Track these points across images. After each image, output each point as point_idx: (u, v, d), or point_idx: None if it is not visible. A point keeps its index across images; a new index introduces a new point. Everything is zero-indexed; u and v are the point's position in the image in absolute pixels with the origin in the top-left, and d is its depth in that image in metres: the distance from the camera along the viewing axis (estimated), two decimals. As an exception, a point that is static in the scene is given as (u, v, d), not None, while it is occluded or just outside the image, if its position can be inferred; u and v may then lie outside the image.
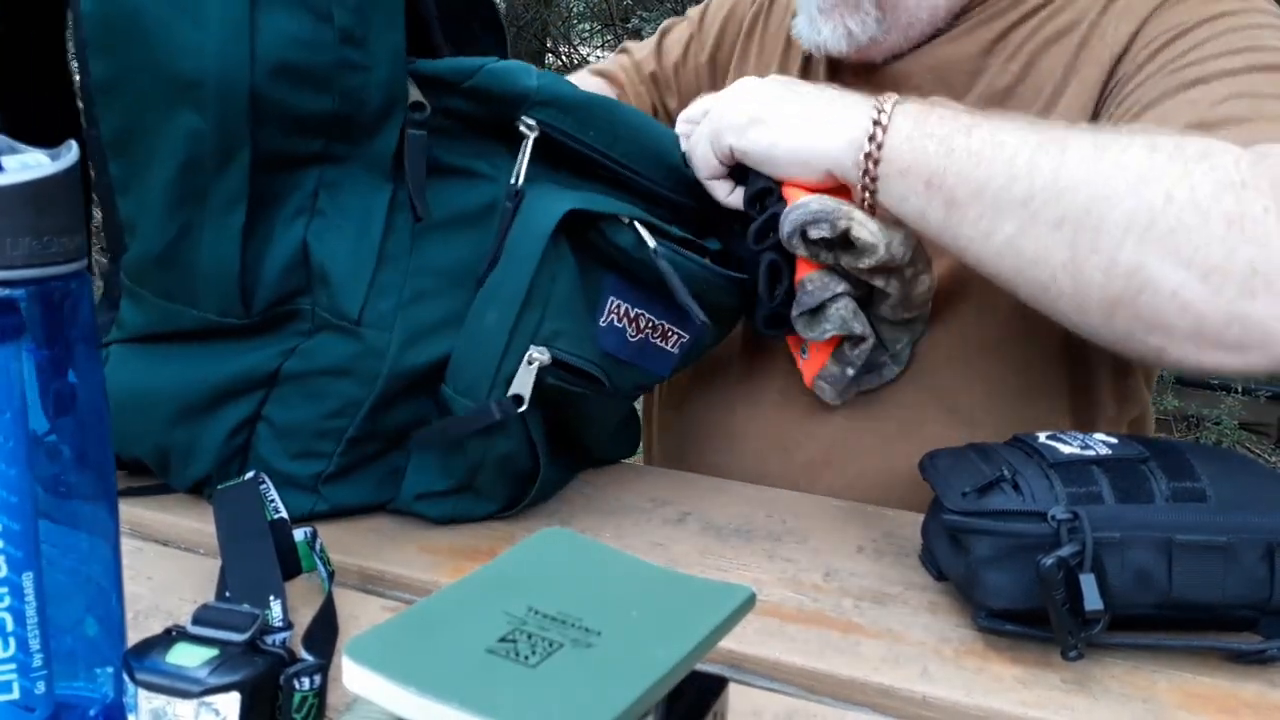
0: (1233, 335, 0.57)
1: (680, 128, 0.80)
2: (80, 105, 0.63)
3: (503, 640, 0.39)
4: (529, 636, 0.40)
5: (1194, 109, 0.66)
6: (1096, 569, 0.54)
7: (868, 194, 0.68)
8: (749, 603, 0.45)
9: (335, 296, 0.65)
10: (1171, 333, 0.59)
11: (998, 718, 0.52)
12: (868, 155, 0.66)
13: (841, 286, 0.70)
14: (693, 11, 1.10)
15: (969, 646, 0.58)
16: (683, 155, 0.76)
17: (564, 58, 5.10)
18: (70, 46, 0.68)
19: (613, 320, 0.71)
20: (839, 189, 0.72)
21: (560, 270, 0.66)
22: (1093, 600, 0.53)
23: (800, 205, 0.69)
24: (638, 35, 4.29)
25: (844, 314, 0.69)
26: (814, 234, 0.68)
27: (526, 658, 0.38)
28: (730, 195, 0.76)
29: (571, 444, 0.75)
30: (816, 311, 0.70)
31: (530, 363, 0.64)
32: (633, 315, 0.72)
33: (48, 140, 0.43)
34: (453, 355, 0.66)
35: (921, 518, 0.68)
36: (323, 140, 0.63)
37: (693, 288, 0.70)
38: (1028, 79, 0.82)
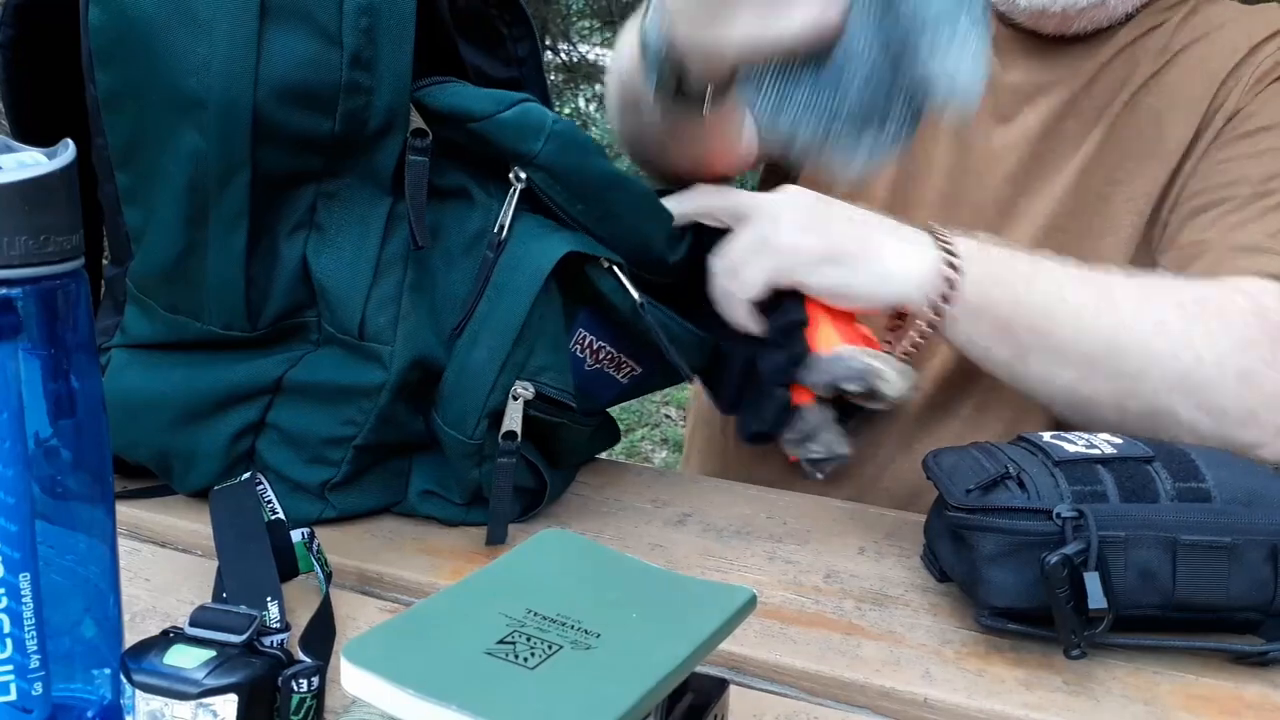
0: (1221, 447, 0.67)
1: (697, 206, 0.75)
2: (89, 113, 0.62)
3: (502, 642, 0.39)
4: (528, 638, 0.40)
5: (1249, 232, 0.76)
6: (1101, 567, 0.54)
7: (931, 329, 0.71)
8: (750, 604, 0.45)
9: (334, 311, 0.65)
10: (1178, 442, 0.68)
11: (999, 720, 0.52)
12: (943, 296, 0.69)
13: (833, 413, 0.72)
14: None
15: (971, 648, 0.58)
16: (672, 233, 0.72)
17: (563, 55, 5.09)
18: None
19: (575, 350, 0.71)
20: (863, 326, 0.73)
21: (549, 310, 0.66)
22: (1097, 598, 0.53)
23: (837, 359, 0.69)
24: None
25: (831, 440, 0.72)
26: (848, 388, 0.69)
27: (525, 660, 0.38)
28: (747, 317, 0.73)
29: (555, 456, 0.74)
30: (806, 436, 0.72)
31: (515, 398, 0.65)
32: (595, 347, 0.72)
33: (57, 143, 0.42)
34: (442, 387, 0.66)
35: (922, 519, 0.68)
36: (322, 159, 0.63)
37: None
38: (1177, 86, 0.83)
